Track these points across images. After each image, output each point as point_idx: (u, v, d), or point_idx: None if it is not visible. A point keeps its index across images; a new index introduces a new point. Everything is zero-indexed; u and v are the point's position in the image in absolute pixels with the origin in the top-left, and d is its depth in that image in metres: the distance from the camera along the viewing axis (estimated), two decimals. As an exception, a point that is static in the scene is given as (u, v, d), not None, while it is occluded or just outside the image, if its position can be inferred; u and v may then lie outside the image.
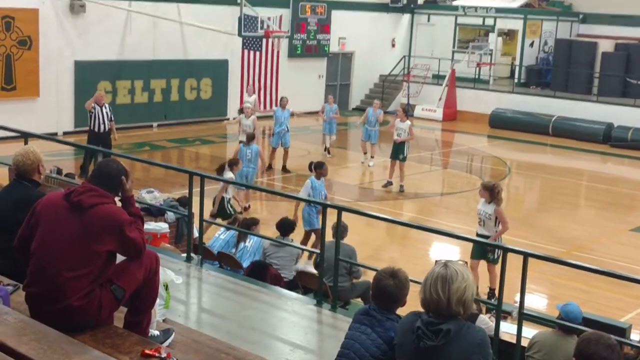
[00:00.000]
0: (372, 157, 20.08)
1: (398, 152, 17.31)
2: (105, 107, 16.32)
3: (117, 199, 4.62)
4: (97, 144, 15.12)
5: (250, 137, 15.50)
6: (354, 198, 17.02)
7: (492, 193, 10.81)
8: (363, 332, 4.27)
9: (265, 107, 26.42)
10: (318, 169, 12.53)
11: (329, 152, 20.88)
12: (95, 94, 16.81)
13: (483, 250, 10.85)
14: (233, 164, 13.28)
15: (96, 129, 16.16)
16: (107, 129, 16.25)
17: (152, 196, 11.56)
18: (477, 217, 11.02)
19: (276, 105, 19.47)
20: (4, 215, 5.13)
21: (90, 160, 15.23)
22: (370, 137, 19.91)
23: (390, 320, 4.26)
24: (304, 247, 9.31)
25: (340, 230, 7.71)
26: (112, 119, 16.49)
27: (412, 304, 4.16)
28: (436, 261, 3.97)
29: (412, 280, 4.38)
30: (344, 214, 7.79)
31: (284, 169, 18.91)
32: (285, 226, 9.97)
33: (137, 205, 4.77)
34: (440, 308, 3.75)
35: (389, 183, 17.70)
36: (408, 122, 17.54)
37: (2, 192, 5.67)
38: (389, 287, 4.28)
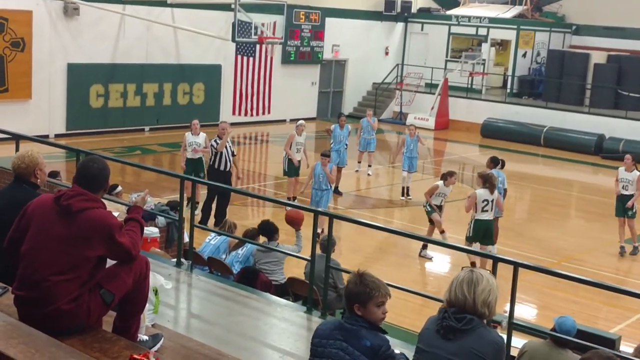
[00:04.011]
0: (369, 165, 20.11)
1: (626, 207, 14.83)
2: (228, 142, 14.30)
3: (107, 202, 4.60)
4: (220, 181, 13.02)
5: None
6: (345, 205, 17.02)
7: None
8: (339, 348, 4.18)
9: (257, 113, 26.41)
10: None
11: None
12: (218, 129, 14.53)
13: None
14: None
15: (222, 167, 14.14)
16: (230, 166, 14.32)
17: (143, 200, 11.49)
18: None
19: (336, 125, 18.00)
20: (-1, 216, 5.10)
21: (212, 201, 14.04)
22: (369, 146, 19.90)
23: (364, 327, 4.13)
24: (290, 252, 9.26)
25: (330, 238, 7.70)
26: (235, 153, 14.71)
27: (399, 312, 4.14)
28: (462, 267, 4.07)
29: (398, 287, 4.36)
30: (337, 222, 7.78)
31: (337, 191, 16.99)
32: (268, 229, 9.84)
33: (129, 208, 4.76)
34: (467, 308, 3.89)
35: (624, 249, 14.89)
36: (636, 172, 14.72)
37: (-1, 193, 5.67)
38: (354, 288, 4.15)
